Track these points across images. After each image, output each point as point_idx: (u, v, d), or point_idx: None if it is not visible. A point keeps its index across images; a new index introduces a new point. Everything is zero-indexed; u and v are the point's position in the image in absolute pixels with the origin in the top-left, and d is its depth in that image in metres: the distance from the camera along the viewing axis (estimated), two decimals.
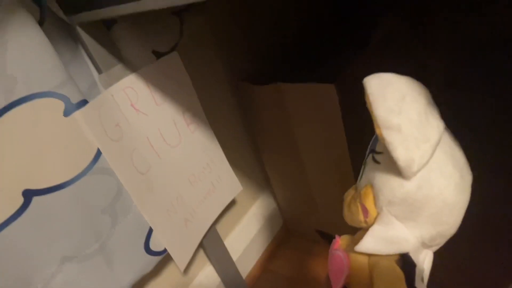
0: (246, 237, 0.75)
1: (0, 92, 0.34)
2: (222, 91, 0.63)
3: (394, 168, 0.24)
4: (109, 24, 0.43)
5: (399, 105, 0.23)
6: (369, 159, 0.28)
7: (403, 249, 0.25)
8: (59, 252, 0.41)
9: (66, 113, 0.38)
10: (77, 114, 0.39)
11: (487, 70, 0.69)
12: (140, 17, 0.45)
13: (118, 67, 0.45)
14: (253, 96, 0.59)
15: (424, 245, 0.26)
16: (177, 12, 0.49)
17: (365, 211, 0.27)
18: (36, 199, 0.38)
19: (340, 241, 0.31)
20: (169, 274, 0.60)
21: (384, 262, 0.25)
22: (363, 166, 0.29)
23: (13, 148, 0.36)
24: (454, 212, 0.25)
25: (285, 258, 0.77)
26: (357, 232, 0.30)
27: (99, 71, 0.44)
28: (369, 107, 0.23)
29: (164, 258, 0.52)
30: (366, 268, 0.26)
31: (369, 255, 0.26)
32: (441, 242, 0.26)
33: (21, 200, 0.37)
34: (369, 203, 0.26)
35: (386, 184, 0.25)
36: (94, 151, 0.41)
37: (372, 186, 0.26)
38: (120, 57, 0.45)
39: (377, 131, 0.23)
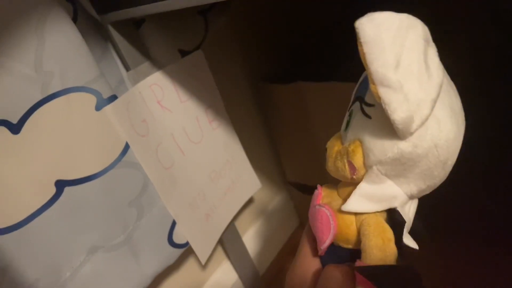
0: (263, 236, 0.76)
1: (37, 86, 0.36)
2: (242, 90, 0.64)
3: (387, 126, 0.21)
4: (138, 23, 0.45)
5: (399, 56, 0.20)
6: (356, 109, 0.25)
7: (391, 205, 0.24)
8: (87, 242, 0.42)
9: (98, 108, 0.40)
10: (108, 108, 0.40)
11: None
12: (167, 17, 0.47)
13: (146, 65, 0.46)
14: (273, 96, 0.60)
15: (412, 197, 0.25)
16: (202, 12, 0.51)
17: (353, 169, 0.24)
18: (67, 190, 0.39)
19: (323, 193, 0.28)
20: (188, 269, 0.61)
21: (372, 219, 0.23)
22: (348, 113, 0.26)
23: (48, 140, 0.37)
24: (447, 166, 0.23)
25: None
26: (340, 182, 0.28)
27: (127, 68, 0.45)
28: (362, 58, 0.20)
29: (184, 253, 0.53)
30: (354, 225, 0.25)
31: (355, 214, 0.25)
32: (428, 192, 0.25)
33: (53, 190, 0.39)
34: (358, 161, 0.24)
35: (378, 144, 0.23)
36: (122, 145, 0.42)
37: (361, 142, 0.24)
38: (147, 55, 0.46)
39: (372, 88, 0.20)
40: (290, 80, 0.56)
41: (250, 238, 0.73)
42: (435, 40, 0.23)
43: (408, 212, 0.25)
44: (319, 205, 0.27)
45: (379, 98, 0.20)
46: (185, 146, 0.51)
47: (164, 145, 0.48)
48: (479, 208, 0.65)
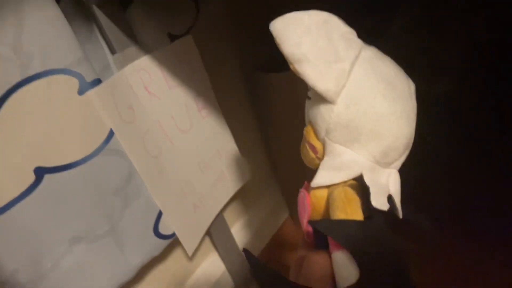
0: (252, 227, 0.75)
1: (16, 67, 0.34)
2: (234, 79, 0.63)
3: (320, 98, 0.24)
4: (125, 4, 0.43)
5: (303, 36, 0.23)
6: (306, 99, 0.28)
7: (355, 172, 0.25)
8: (69, 232, 0.40)
9: (81, 92, 0.38)
10: (91, 92, 0.38)
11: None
12: None
13: (133, 49, 0.44)
14: (266, 85, 0.59)
15: (380, 163, 0.25)
16: None
17: (313, 148, 0.27)
18: (47, 177, 0.38)
19: (306, 184, 0.29)
20: (174, 260, 0.60)
21: (338, 192, 0.24)
22: None
23: (27, 124, 0.35)
24: (393, 121, 0.24)
25: (290, 249, 0.77)
26: None
27: (113, 51, 0.43)
28: (279, 48, 0.23)
29: (170, 244, 0.52)
30: (325, 200, 0.26)
31: (328, 188, 0.26)
32: (396, 156, 0.25)
33: (32, 177, 0.37)
34: (313, 139, 0.26)
35: (318, 115, 0.25)
36: (107, 132, 0.40)
37: (310, 122, 0.27)
38: (134, 39, 0.44)
39: (291, 67, 0.24)
40: (283, 69, 0.55)
41: (239, 229, 0.72)
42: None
43: (387, 183, 0.25)
44: (299, 190, 0.28)
45: (297, 73, 0.23)
46: (173, 135, 0.49)
47: (151, 133, 0.46)
48: (485, 205, 0.65)
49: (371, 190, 0.23)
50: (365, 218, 0.23)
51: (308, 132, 0.27)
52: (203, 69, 0.52)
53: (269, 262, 0.76)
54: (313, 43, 0.23)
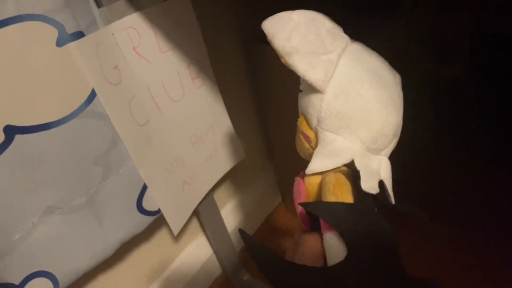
0: (243, 210, 0.72)
1: None
2: (232, 49, 0.58)
3: (311, 89, 0.25)
4: None
5: (293, 32, 0.25)
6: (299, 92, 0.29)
7: (347, 158, 0.25)
8: (42, 201, 0.37)
9: (59, 43, 0.34)
10: (72, 45, 0.34)
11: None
12: None
13: (121, 3, 0.40)
14: (265, 57, 0.55)
15: (370, 149, 0.26)
16: None
17: (306, 137, 0.28)
18: (19, 138, 0.33)
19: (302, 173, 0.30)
20: (159, 240, 0.56)
21: (330, 177, 0.25)
22: None
23: None
24: (381, 108, 0.25)
25: (281, 234, 0.74)
26: None
27: (100, 4, 0.39)
28: (271, 45, 0.25)
29: (156, 223, 0.48)
30: (318, 187, 0.26)
31: (321, 175, 0.26)
32: (385, 143, 0.27)
33: (1, 136, 0.33)
34: (306, 129, 0.28)
35: (309, 104, 0.26)
36: (88, 92, 0.36)
37: (303, 113, 0.28)
38: None
39: (282, 61, 0.25)
40: None
41: (229, 211, 0.69)
42: None
43: (378, 169, 0.26)
44: (295, 179, 0.29)
45: (288, 65, 0.25)
46: (163, 103, 0.45)
47: (139, 98, 0.42)
48: (483, 199, 0.63)
49: (361, 174, 0.24)
50: (355, 201, 0.24)
51: (301, 122, 0.28)
52: (200, 35, 0.47)
53: None
54: (302, 38, 0.25)
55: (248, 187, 0.72)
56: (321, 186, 0.26)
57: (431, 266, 0.57)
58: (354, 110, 0.25)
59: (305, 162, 0.28)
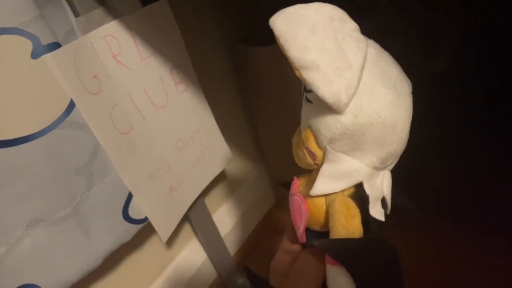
0: (237, 213, 0.72)
1: None
2: (215, 50, 0.58)
3: (325, 105, 0.22)
4: None
5: (310, 39, 0.21)
6: (303, 99, 0.26)
7: (356, 180, 0.24)
8: (26, 214, 0.36)
9: (34, 55, 0.33)
10: (48, 57, 0.34)
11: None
12: None
13: (99, 11, 0.40)
14: (250, 58, 0.55)
15: (377, 168, 0.25)
16: None
17: (312, 154, 0.25)
18: None
19: (299, 182, 0.29)
20: (152, 247, 0.56)
21: (337, 199, 0.24)
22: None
23: None
24: (397, 130, 0.23)
25: (277, 235, 0.74)
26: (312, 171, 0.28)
27: (77, 13, 0.39)
28: (282, 50, 0.21)
29: (147, 230, 0.48)
30: (324, 208, 0.25)
31: (325, 195, 0.25)
32: (393, 161, 0.26)
33: None
34: (313, 146, 0.25)
35: (322, 123, 0.24)
36: (67, 102, 0.36)
37: (310, 128, 0.25)
38: (101, 0, 0.40)
39: (297, 73, 0.22)
40: (268, 42, 0.50)
41: (222, 215, 0.69)
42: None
43: (381, 185, 0.25)
44: (293, 193, 0.28)
45: (304, 80, 0.21)
46: (146, 110, 0.45)
47: (120, 106, 0.42)
48: (477, 193, 0.63)
49: (371, 199, 0.23)
50: (363, 226, 0.23)
51: (308, 138, 0.25)
52: (180, 39, 0.47)
53: (254, 251, 0.73)
54: (321, 46, 0.21)
55: (240, 190, 0.72)
56: (326, 208, 0.25)
57: (434, 264, 0.56)
58: (372, 133, 0.23)
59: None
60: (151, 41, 0.44)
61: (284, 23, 0.21)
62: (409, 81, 0.25)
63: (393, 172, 0.28)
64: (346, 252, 0.22)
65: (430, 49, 0.66)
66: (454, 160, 0.69)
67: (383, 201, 0.25)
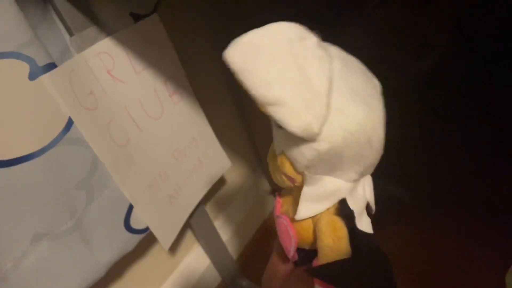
0: (238, 217, 0.73)
1: None
2: (208, 61, 0.59)
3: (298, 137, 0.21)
4: None
5: (271, 71, 0.20)
6: (272, 123, 0.24)
7: (338, 197, 0.24)
8: (30, 229, 0.38)
9: (32, 77, 0.35)
10: (45, 77, 0.35)
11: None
12: None
13: (92, 29, 0.41)
14: None
15: (357, 180, 0.24)
16: None
17: (290, 178, 0.25)
18: (1, 172, 0.34)
19: (282, 201, 0.29)
20: (155, 255, 0.57)
21: (324, 219, 0.24)
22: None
23: None
24: (374, 143, 0.23)
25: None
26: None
27: (71, 33, 0.40)
28: (244, 88, 0.20)
29: (150, 239, 0.49)
30: (311, 228, 0.25)
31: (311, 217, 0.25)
32: (373, 169, 0.25)
33: None
34: (290, 171, 0.24)
35: (297, 152, 0.23)
36: (65, 120, 0.37)
37: (285, 154, 0.24)
38: (94, 19, 0.41)
39: (262, 109, 0.20)
40: None
41: (223, 221, 0.70)
42: None
43: (364, 192, 0.25)
44: (278, 216, 0.27)
45: (272, 117, 0.20)
46: (142, 122, 0.46)
47: (117, 120, 0.43)
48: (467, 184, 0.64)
49: (356, 213, 0.23)
50: (352, 240, 0.23)
51: (283, 164, 0.24)
52: (173, 51, 0.48)
53: (256, 254, 0.74)
54: (284, 77, 0.20)
55: (240, 195, 0.73)
56: (314, 228, 0.25)
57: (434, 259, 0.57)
58: (348, 152, 0.22)
59: None
60: (144, 55, 0.45)
61: (240, 58, 0.20)
62: (376, 81, 0.24)
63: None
64: (338, 275, 0.22)
65: (419, 48, 0.67)
66: (447, 154, 0.70)
67: (367, 206, 0.25)
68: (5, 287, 0.37)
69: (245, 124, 0.70)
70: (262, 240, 0.76)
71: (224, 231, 0.67)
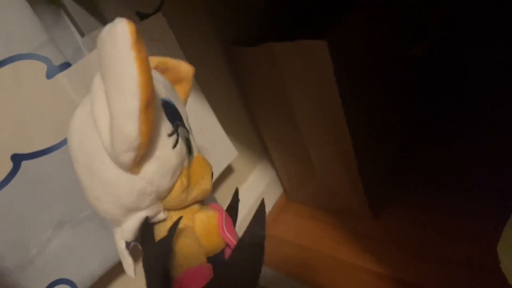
0: (246, 206, 0.75)
1: None
2: (212, 55, 0.62)
3: None
4: None
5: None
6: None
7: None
8: (54, 216, 0.41)
9: (49, 75, 0.38)
10: (61, 76, 0.38)
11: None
12: None
13: (101, 30, 0.44)
14: (244, 59, 0.58)
15: (133, 210, 0.29)
16: None
17: None
18: (25, 164, 0.38)
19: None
20: None
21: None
22: (179, 138, 0.31)
23: None
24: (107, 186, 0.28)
25: (286, 224, 0.78)
26: None
27: (82, 34, 0.43)
28: None
29: None
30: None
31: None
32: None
33: (10, 165, 0.37)
34: None
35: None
36: None
37: None
38: (103, 19, 0.44)
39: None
40: (261, 42, 0.54)
41: None
42: None
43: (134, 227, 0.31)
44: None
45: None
46: None
47: None
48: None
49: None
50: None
51: None
52: (177, 47, 0.51)
53: (267, 238, 0.76)
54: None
55: (247, 183, 0.76)
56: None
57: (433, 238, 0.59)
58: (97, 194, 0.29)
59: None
60: (150, 53, 0.48)
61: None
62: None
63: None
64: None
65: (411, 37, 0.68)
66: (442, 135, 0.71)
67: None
68: (31, 271, 0.40)
69: (249, 114, 0.73)
70: (270, 227, 0.78)
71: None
